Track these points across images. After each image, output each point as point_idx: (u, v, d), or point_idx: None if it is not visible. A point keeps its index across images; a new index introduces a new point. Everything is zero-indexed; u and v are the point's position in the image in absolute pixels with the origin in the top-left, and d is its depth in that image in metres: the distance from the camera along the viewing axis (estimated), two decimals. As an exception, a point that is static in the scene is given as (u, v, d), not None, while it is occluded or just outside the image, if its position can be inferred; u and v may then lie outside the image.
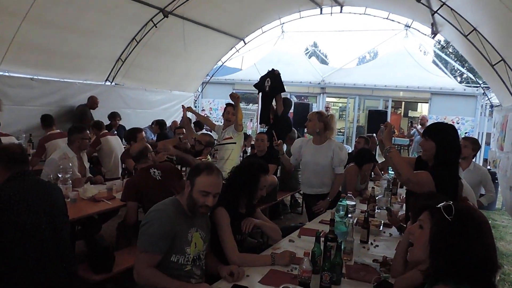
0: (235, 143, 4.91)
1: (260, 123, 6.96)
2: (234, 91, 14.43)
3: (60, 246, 2.44)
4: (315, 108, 11.49)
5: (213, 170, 2.32)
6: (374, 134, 6.85)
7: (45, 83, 7.54)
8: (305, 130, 9.20)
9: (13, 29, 6.36)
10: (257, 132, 5.76)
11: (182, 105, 5.05)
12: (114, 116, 8.05)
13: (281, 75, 6.21)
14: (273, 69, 6.29)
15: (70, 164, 3.76)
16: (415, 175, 2.66)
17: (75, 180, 3.91)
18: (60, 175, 3.58)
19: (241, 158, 7.09)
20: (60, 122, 7.14)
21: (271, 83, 6.16)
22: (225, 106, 5.21)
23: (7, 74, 6.88)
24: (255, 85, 6.52)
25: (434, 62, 13.84)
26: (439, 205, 1.57)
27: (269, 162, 5.30)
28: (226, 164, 4.83)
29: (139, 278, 2.17)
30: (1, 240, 2.27)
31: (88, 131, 4.31)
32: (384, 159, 5.72)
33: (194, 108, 5.19)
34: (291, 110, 9.96)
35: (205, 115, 5.67)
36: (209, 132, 6.60)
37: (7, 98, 6.68)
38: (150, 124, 9.09)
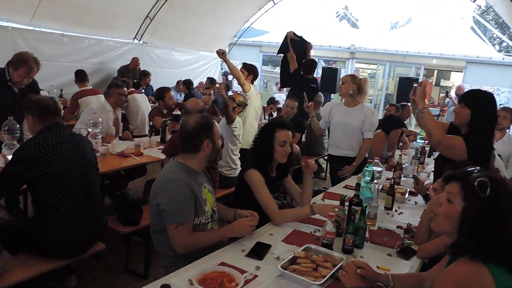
0: (246, 105, 4.88)
1: (281, 88, 6.91)
2: (261, 54, 14.37)
3: (91, 196, 2.53)
4: (343, 74, 11.25)
5: (210, 118, 2.37)
6: (408, 104, 6.68)
7: (75, 39, 7.61)
8: (331, 96, 9.10)
9: (44, -16, 6.38)
10: (288, 98, 5.67)
11: (217, 51, 5.03)
12: (144, 75, 8.13)
13: (293, 38, 6.11)
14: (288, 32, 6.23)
15: (101, 119, 3.82)
16: (447, 138, 2.60)
17: (106, 135, 4.00)
18: (90, 130, 3.66)
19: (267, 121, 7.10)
20: (91, 79, 7.23)
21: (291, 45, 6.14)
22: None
23: (38, 29, 6.95)
24: (278, 52, 6.45)
25: (472, 28, 13.22)
26: (472, 181, 1.44)
27: (299, 125, 5.31)
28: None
29: (187, 248, 2.14)
30: (36, 189, 2.37)
31: (126, 89, 4.36)
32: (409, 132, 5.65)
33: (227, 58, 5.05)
34: (319, 75, 9.80)
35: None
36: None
37: (39, 53, 6.69)
38: (175, 84, 9.13)
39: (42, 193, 2.36)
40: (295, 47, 6.12)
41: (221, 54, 4.77)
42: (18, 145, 2.92)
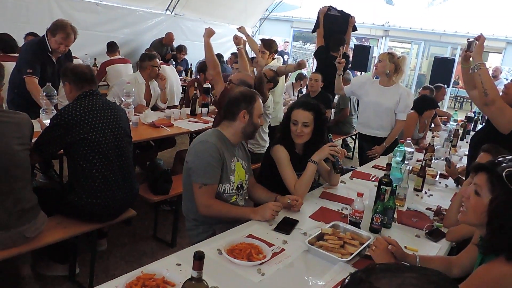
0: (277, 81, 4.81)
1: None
2: (292, 29, 14.09)
3: (124, 164, 2.59)
4: (375, 53, 10.95)
5: (255, 94, 2.41)
6: (445, 85, 6.46)
7: (109, 8, 7.64)
8: (362, 73, 8.90)
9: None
10: (312, 72, 5.57)
11: (238, 28, 4.97)
12: (180, 50, 8.28)
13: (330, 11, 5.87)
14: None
15: (134, 89, 3.86)
16: (501, 100, 2.53)
17: (137, 106, 4.04)
18: (123, 99, 3.71)
19: (296, 98, 7.02)
20: (123, 49, 7.29)
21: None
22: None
23: (74, -3, 7.03)
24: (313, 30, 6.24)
25: (514, 8, 12.56)
26: (500, 172, 1.35)
27: (327, 101, 5.20)
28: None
29: (209, 211, 2.19)
30: (72, 154, 2.44)
31: (157, 59, 4.37)
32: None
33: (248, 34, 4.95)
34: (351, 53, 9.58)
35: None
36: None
37: (75, 22, 6.70)
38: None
39: (78, 158, 2.42)
40: (333, 23, 5.86)
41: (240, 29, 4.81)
42: (55, 111, 3.01)
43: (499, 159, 1.43)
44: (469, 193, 1.46)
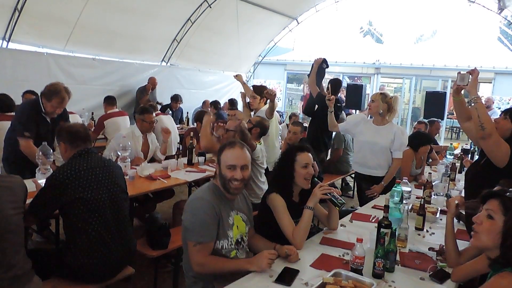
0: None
1: (303, 113, 6.67)
2: (286, 72, 14.40)
3: (120, 221, 2.55)
4: (368, 90, 11.14)
5: (235, 143, 2.31)
6: (439, 120, 6.51)
7: (105, 63, 7.85)
8: (356, 111, 8.99)
9: (77, 12, 6.64)
10: (291, 123, 5.40)
11: (235, 76, 5.06)
12: (176, 99, 8.41)
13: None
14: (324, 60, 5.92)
15: (130, 143, 3.87)
16: (497, 133, 2.55)
17: (135, 159, 4.04)
18: (119, 153, 3.72)
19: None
20: (120, 101, 7.43)
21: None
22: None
23: (71, 54, 7.23)
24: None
25: (499, 39, 12.93)
26: (511, 195, 1.52)
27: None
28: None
29: (203, 269, 2.15)
30: (68, 214, 2.41)
31: (151, 113, 4.40)
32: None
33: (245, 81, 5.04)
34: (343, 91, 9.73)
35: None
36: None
37: (72, 77, 7.03)
38: (202, 104, 9.26)
39: (74, 218, 2.39)
40: (320, 73, 5.88)
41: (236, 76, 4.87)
42: (51, 171, 3.00)
43: (505, 188, 1.65)
44: (481, 218, 1.63)
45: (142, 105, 4.89)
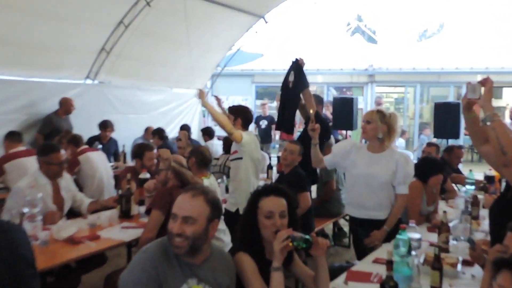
0: (241, 158, 4.87)
1: (277, 129, 6.72)
2: (254, 85, 14.56)
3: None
4: (361, 103, 11.35)
5: (188, 189, 2.36)
6: (460, 145, 6.64)
7: (8, 84, 7.71)
8: (347, 133, 9.12)
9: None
10: (288, 141, 5.55)
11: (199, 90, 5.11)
12: (105, 126, 8.19)
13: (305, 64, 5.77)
14: (296, 59, 5.85)
15: (40, 195, 3.77)
16: None
17: (47, 215, 3.93)
18: (26, 210, 3.59)
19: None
20: (28, 134, 7.27)
21: (295, 77, 5.81)
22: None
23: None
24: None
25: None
26: None
27: (298, 181, 5.16)
28: (232, 186, 4.93)
29: None
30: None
31: (59, 152, 4.33)
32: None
33: (207, 102, 5.10)
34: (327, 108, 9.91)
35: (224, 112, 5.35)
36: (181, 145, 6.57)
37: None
38: (144, 132, 9.19)
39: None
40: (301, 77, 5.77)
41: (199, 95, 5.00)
42: None
43: None
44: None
45: (46, 142, 4.80)
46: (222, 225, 4.03)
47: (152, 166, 5.39)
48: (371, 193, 4.02)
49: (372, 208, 4.04)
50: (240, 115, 4.96)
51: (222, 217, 4.03)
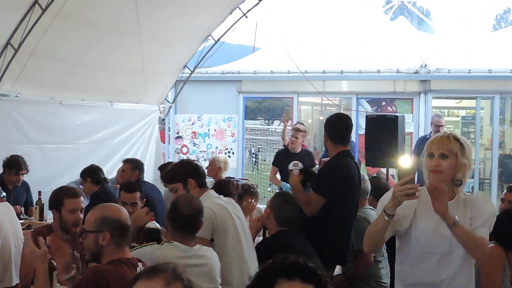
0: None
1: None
2: (241, 96, 14.54)
3: None
4: (410, 125, 11.44)
5: (154, 274, 2.45)
6: None
7: None
8: (390, 172, 9.18)
9: None
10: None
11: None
12: (13, 165, 8.22)
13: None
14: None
15: None
16: None
17: None
18: None
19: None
20: None
21: None
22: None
23: None
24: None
25: None
26: None
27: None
28: None
29: None
30: None
31: None
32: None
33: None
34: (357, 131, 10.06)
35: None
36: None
37: None
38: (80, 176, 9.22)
39: None
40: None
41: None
42: None
43: None
44: None
45: None
46: None
47: (75, 221, 5.23)
48: (441, 266, 3.89)
49: (444, 284, 3.92)
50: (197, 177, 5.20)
51: None
